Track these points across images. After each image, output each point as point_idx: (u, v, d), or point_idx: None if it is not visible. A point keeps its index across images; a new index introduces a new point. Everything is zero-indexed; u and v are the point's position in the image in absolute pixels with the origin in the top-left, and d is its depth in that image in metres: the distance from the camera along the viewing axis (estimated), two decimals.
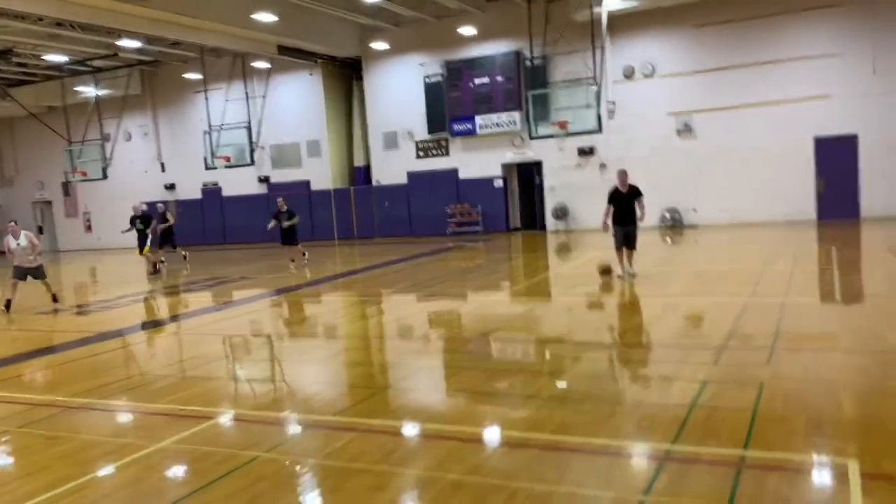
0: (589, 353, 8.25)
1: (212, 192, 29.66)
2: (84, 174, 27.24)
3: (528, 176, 25.47)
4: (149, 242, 19.31)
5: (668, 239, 20.04)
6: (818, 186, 20.72)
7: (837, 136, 20.39)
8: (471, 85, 24.42)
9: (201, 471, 5.27)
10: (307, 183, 27.75)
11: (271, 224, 18.21)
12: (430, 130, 25.44)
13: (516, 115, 23.75)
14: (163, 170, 30.70)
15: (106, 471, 5.36)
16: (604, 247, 14.16)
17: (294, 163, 28.03)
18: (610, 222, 12.54)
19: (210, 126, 25.79)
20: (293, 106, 27.60)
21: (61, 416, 6.89)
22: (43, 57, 25.08)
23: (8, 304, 13.85)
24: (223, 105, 26.32)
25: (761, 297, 10.38)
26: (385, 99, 26.24)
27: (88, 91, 27.60)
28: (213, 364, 8.97)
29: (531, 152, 24.19)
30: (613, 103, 22.69)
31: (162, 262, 21.21)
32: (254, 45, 23.50)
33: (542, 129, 20.96)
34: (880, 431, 5.11)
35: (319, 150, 27.54)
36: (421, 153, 25.98)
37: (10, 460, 5.92)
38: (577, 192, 23.26)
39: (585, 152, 23.38)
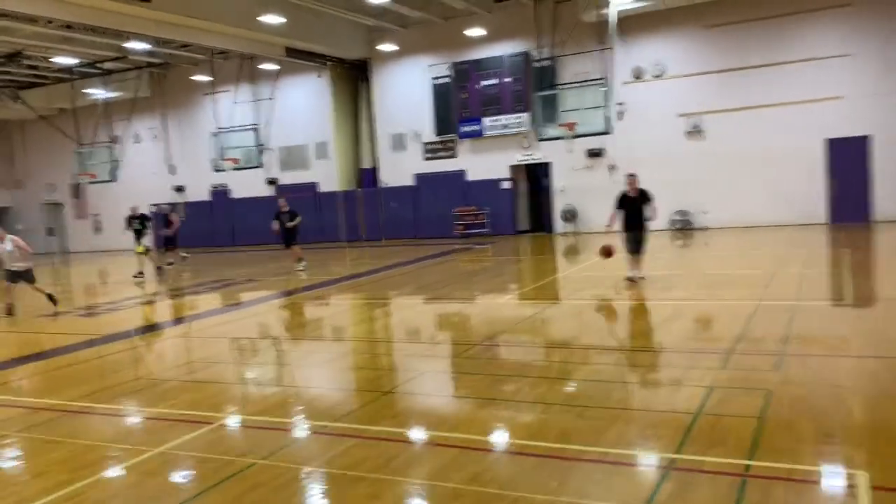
0: (594, 357, 8.13)
1: (220, 194, 29.68)
2: (93, 176, 27.31)
3: (536, 178, 25.36)
4: (143, 240, 19.09)
5: (678, 241, 19.88)
6: (830, 188, 20.51)
7: (849, 138, 20.18)
8: (478, 86, 24.34)
9: (197, 477, 5.20)
10: (315, 185, 27.74)
11: (275, 226, 18.02)
12: (438, 132, 25.38)
13: (524, 117, 23.65)
14: (172, 172, 30.76)
15: (101, 476, 5.29)
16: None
17: (302, 164, 28.02)
18: (617, 226, 12.42)
19: (218, 128, 25.78)
20: (301, 108, 27.60)
21: (61, 421, 6.83)
22: (53, 59, 25.18)
23: (9, 308, 13.81)
24: (231, 107, 26.34)
25: (771, 300, 10.23)
26: (392, 100, 26.20)
27: (98, 93, 27.68)
28: (216, 367, 8.91)
29: (539, 154, 24.08)
30: (623, 104, 22.56)
31: (170, 263, 21.25)
32: (261, 48, 23.51)
33: (550, 131, 20.86)
34: (891, 440, 4.97)
35: (327, 151, 27.52)
36: (428, 155, 25.91)
37: (8, 465, 5.86)
38: (586, 193, 23.12)
39: (594, 154, 23.24)
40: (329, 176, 27.56)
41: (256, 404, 7.10)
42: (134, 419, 6.79)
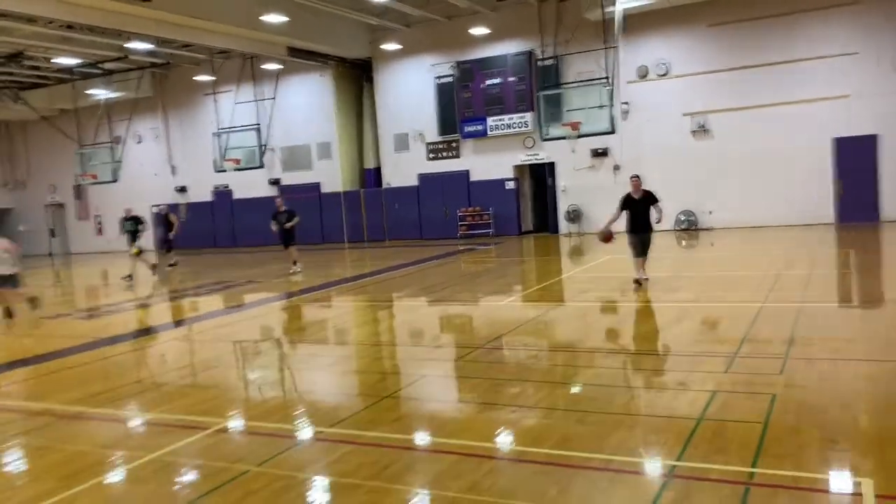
0: (597, 361, 8.01)
1: (222, 194, 29.61)
2: (94, 177, 27.24)
3: (540, 178, 25.23)
4: (137, 242, 18.90)
5: (684, 242, 19.74)
6: (837, 188, 20.34)
7: (857, 137, 20.00)
8: (482, 86, 24.21)
9: (190, 485, 5.11)
10: (318, 185, 27.64)
11: (274, 226, 17.87)
12: (441, 132, 25.25)
13: (528, 116, 23.52)
14: (174, 172, 30.71)
15: (91, 484, 5.18)
16: (617, 251, 13.91)
17: (304, 165, 27.93)
18: (618, 226, 12.26)
19: (220, 128, 25.72)
20: (303, 108, 27.50)
21: (54, 426, 6.74)
22: (54, 60, 25.13)
23: (7, 312, 13.66)
24: (233, 107, 26.26)
25: (777, 302, 10.10)
26: (396, 100, 26.08)
27: (99, 94, 27.64)
28: (213, 371, 8.82)
29: (543, 154, 23.95)
30: (627, 104, 22.42)
31: (172, 264, 21.21)
32: (263, 47, 23.42)
33: (554, 130, 20.71)
34: None
35: (330, 152, 27.42)
36: (432, 155, 25.79)
37: None
38: (591, 194, 22.97)
39: (599, 153, 23.10)
40: (332, 176, 27.46)
41: (253, 409, 7.00)
42: (129, 424, 6.70)
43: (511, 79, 23.79)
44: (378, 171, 27.24)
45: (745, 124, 21.14)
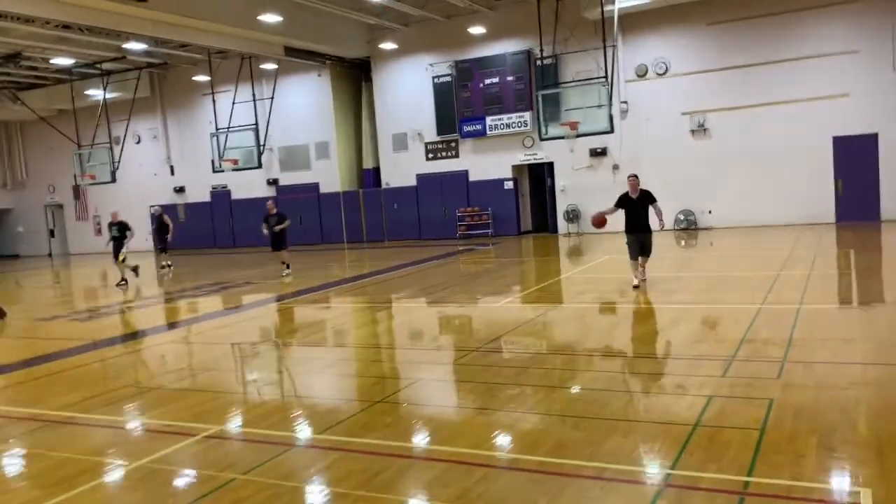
0: (592, 364, 7.93)
1: (221, 194, 29.53)
2: (93, 177, 27.15)
3: (539, 177, 25.14)
4: (124, 250, 18.62)
5: (683, 242, 19.64)
6: (837, 187, 20.24)
7: (856, 136, 19.90)
8: (481, 85, 24.13)
9: (175, 493, 5.03)
10: (316, 185, 27.56)
11: (265, 229, 17.74)
12: (440, 132, 25.17)
13: (527, 116, 23.43)
14: (172, 173, 30.64)
15: (76, 492, 5.08)
16: (616, 250, 13.84)
17: (303, 165, 27.85)
18: (610, 218, 12.15)
19: (217, 128, 25.62)
20: (301, 107, 27.42)
21: (42, 432, 6.65)
22: (52, 60, 25.06)
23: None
24: (231, 107, 26.14)
25: (775, 303, 10.00)
26: (394, 100, 25.99)
27: (98, 94, 27.55)
28: (205, 375, 8.74)
29: (542, 153, 23.86)
30: (626, 103, 22.33)
31: (168, 265, 21.13)
32: (261, 47, 23.33)
33: (553, 130, 20.60)
34: None
35: (328, 152, 27.35)
36: (430, 155, 25.70)
37: None
38: (590, 193, 22.88)
39: (597, 153, 23.02)
40: (330, 176, 27.38)
41: (244, 414, 6.92)
42: (117, 430, 6.60)
43: (510, 78, 23.71)
44: (377, 171, 27.16)
45: (745, 123, 21.04)
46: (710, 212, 21.82)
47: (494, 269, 17.78)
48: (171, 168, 30.67)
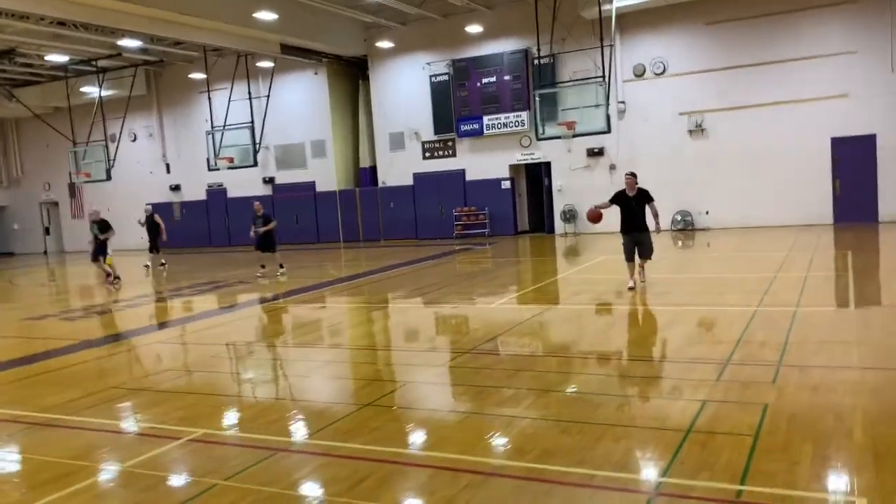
0: (585, 367, 7.82)
1: (216, 193, 29.39)
2: (88, 175, 27.00)
3: (536, 177, 25.02)
4: (109, 252, 18.31)
5: (679, 242, 19.54)
6: (835, 188, 20.13)
7: (854, 137, 19.79)
8: (478, 84, 24.01)
9: (153, 500, 4.90)
10: (312, 184, 27.43)
11: (252, 231, 17.67)
12: (437, 131, 25.04)
13: (524, 115, 23.31)
14: (168, 171, 30.50)
15: (55, 497, 4.97)
16: (613, 251, 13.73)
17: (299, 163, 27.72)
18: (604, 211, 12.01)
19: (213, 126, 25.49)
20: (298, 106, 27.27)
21: (22, 434, 6.53)
22: (47, 57, 24.92)
23: None
24: (227, 105, 26.03)
25: (772, 306, 9.89)
26: (391, 99, 25.86)
27: (93, 91, 27.41)
28: (192, 377, 8.63)
29: (539, 153, 23.74)
30: (623, 103, 22.22)
31: (163, 264, 21.02)
32: (257, 45, 23.18)
33: (550, 130, 20.48)
34: (893, 465, 4.63)
35: (325, 150, 27.21)
36: (427, 154, 25.58)
37: None
38: (586, 193, 22.67)
39: (595, 153, 22.90)
40: (327, 175, 27.25)
41: (230, 417, 6.80)
42: (100, 433, 6.46)
43: (507, 77, 23.59)
44: (373, 169, 27.03)
45: (742, 124, 20.93)
46: (707, 212, 21.71)
47: (490, 269, 17.67)
48: (167, 166, 30.53)
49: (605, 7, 19.88)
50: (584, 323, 10.21)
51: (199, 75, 27.25)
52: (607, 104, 19.73)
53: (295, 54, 24.49)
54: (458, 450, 5.36)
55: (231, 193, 28.95)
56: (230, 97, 25.91)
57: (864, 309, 10.04)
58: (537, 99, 20.90)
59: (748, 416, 5.59)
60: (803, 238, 17.67)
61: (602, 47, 19.49)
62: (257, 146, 25.65)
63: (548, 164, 23.87)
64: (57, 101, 29.06)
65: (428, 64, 24.89)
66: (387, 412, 6.56)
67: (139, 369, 9.34)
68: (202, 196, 29.73)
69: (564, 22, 21.13)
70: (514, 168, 24.56)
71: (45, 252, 34.34)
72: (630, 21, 21.64)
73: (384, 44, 25.04)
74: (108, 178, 26.74)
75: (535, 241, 22.85)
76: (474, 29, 23.44)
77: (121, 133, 28.47)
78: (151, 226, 20.52)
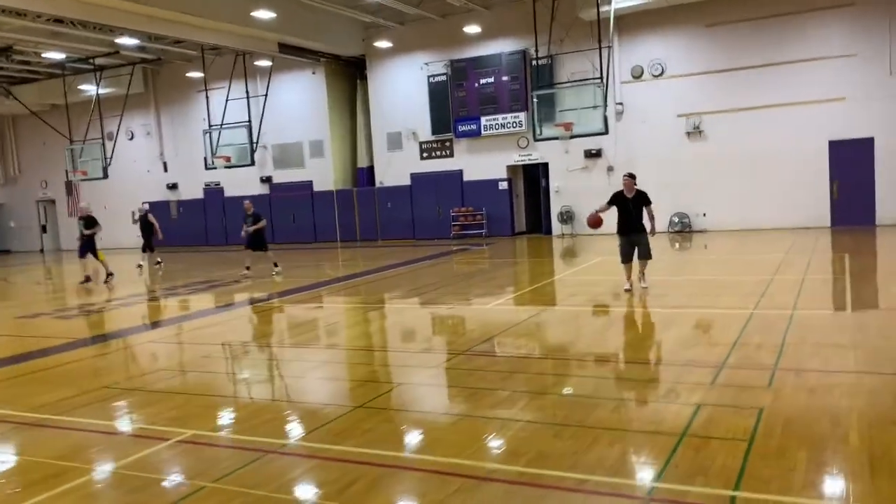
0: (579, 370, 7.76)
1: (214, 192, 29.32)
2: (84, 173, 26.92)
3: (534, 178, 24.98)
4: (97, 247, 18.27)
5: (677, 244, 19.49)
6: (832, 191, 20.10)
7: (852, 140, 19.76)
8: (476, 85, 23.96)
9: (140, 503, 4.83)
10: (310, 183, 27.36)
11: (243, 230, 17.64)
12: (435, 131, 25.00)
13: (522, 116, 23.27)
14: (165, 169, 30.42)
15: (38, 500, 4.90)
16: (609, 252, 13.67)
17: (297, 163, 27.66)
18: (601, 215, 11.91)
19: (210, 125, 25.42)
20: (296, 105, 27.22)
21: (10, 434, 6.46)
22: (44, 54, 24.83)
23: None
24: (225, 104, 25.97)
25: (768, 308, 9.84)
26: (389, 98, 25.81)
27: (90, 89, 27.34)
28: (184, 377, 8.56)
29: (537, 154, 23.69)
30: (621, 104, 22.18)
31: (159, 262, 20.96)
32: (254, 44, 23.12)
33: (548, 131, 20.43)
34: (889, 470, 4.58)
35: (322, 150, 27.15)
36: (425, 154, 25.52)
37: None
38: (584, 195, 22.71)
39: (592, 154, 22.86)
40: (324, 175, 27.19)
41: (220, 419, 6.73)
42: (88, 434, 6.39)
43: (505, 78, 23.54)
44: (371, 169, 26.98)
45: (741, 126, 20.89)
46: (704, 214, 21.67)
47: (487, 269, 17.61)
48: (164, 165, 30.46)
49: (604, 8, 19.85)
50: (580, 324, 10.15)
51: (196, 74, 27.19)
52: (605, 105, 19.70)
53: (293, 54, 24.43)
54: (451, 453, 5.30)
55: (228, 192, 28.88)
56: (228, 96, 25.86)
57: (861, 312, 10.00)
58: (535, 100, 20.87)
59: (743, 420, 5.54)
60: (801, 241, 17.63)
61: (600, 48, 19.45)
62: (255, 145, 25.58)
63: (545, 165, 23.83)
64: (54, 98, 28.98)
65: (426, 64, 24.85)
66: (378, 414, 6.49)
67: (132, 369, 9.28)
68: (199, 195, 29.66)
69: (563, 23, 21.10)
70: (512, 169, 24.51)
71: (42, 250, 34.26)
72: (628, 22, 21.60)
73: (382, 44, 24.99)
74: (105, 176, 26.67)
75: (532, 242, 22.80)
76: (472, 29, 23.40)
77: (118, 131, 28.42)
78: (146, 225, 20.44)
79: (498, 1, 22.99)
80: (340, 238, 26.99)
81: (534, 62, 22.20)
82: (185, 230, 28.84)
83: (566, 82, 21.67)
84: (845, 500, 4.27)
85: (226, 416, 6.81)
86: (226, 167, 25.54)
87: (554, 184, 23.63)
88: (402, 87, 25.43)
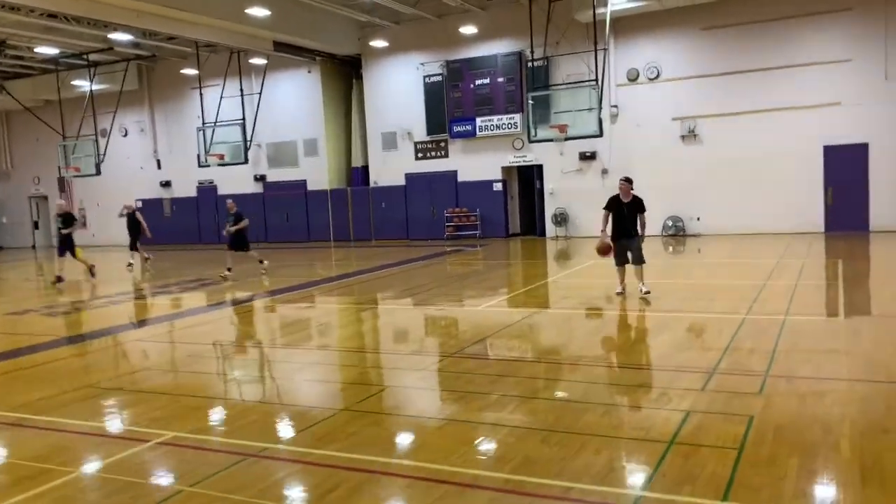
0: (571, 373, 7.66)
1: (207, 189, 29.17)
2: (77, 170, 26.75)
3: (528, 179, 24.89)
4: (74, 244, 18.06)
5: (670, 248, 19.42)
6: (827, 196, 20.06)
7: (847, 145, 19.71)
8: (471, 86, 23.86)
9: None
10: (304, 182, 27.23)
11: (225, 230, 17.49)
12: (430, 131, 24.89)
13: (517, 118, 23.18)
14: (159, 166, 30.26)
15: (9, 503, 4.80)
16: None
17: (291, 162, 27.53)
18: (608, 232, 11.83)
19: (204, 123, 25.28)
20: (290, 103, 27.09)
21: None
22: (37, 50, 24.66)
23: None
24: (219, 102, 25.83)
25: (761, 313, 9.76)
26: (384, 98, 25.70)
27: (84, 85, 27.17)
28: (168, 377, 8.45)
29: (531, 155, 23.61)
30: (616, 107, 22.11)
31: (147, 258, 20.83)
32: (249, 41, 23.00)
33: (543, 132, 20.34)
34: (879, 479, 4.49)
35: (317, 149, 27.02)
36: (420, 154, 25.42)
37: None
38: (578, 197, 22.65)
39: (587, 157, 22.78)
40: (318, 174, 27.06)
41: (202, 420, 6.61)
42: (67, 434, 6.26)
43: (500, 79, 23.45)
44: (365, 169, 26.86)
45: (735, 130, 20.83)
46: (698, 218, 21.61)
47: (481, 271, 17.52)
48: (158, 162, 30.29)
49: (600, 10, 19.78)
50: (572, 327, 10.07)
51: (191, 71, 27.05)
52: (600, 108, 19.63)
53: (288, 52, 24.30)
54: (436, 458, 5.20)
55: (221, 190, 28.70)
56: (222, 94, 25.73)
57: (854, 319, 9.92)
58: (530, 101, 20.80)
59: (734, 428, 5.45)
60: (794, 246, 17.57)
61: (596, 51, 19.39)
62: (249, 143, 25.45)
63: (540, 167, 23.75)
64: (47, 94, 28.82)
65: (422, 64, 24.75)
66: (364, 417, 6.38)
67: (116, 368, 9.15)
68: (192, 193, 29.50)
69: (559, 25, 21.04)
70: (507, 170, 24.43)
71: (34, 246, 34.04)
72: (624, 25, 21.53)
73: (378, 43, 24.89)
74: (98, 172, 26.51)
75: (525, 244, 22.72)
76: (468, 30, 23.31)
77: (111, 128, 28.26)
78: (133, 223, 20.29)
79: (494, 2, 22.90)
80: (334, 238, 26.86)
81: (529, 64, 22.11)
82: (178, 228, 28.67)
83: (561, 84, 21.60)
84: None
85: (209, 418, 6.70)
86: (219, 165, 25.40)
87: (548, 186, 23.55)
88: (398, 87, 25.33)
